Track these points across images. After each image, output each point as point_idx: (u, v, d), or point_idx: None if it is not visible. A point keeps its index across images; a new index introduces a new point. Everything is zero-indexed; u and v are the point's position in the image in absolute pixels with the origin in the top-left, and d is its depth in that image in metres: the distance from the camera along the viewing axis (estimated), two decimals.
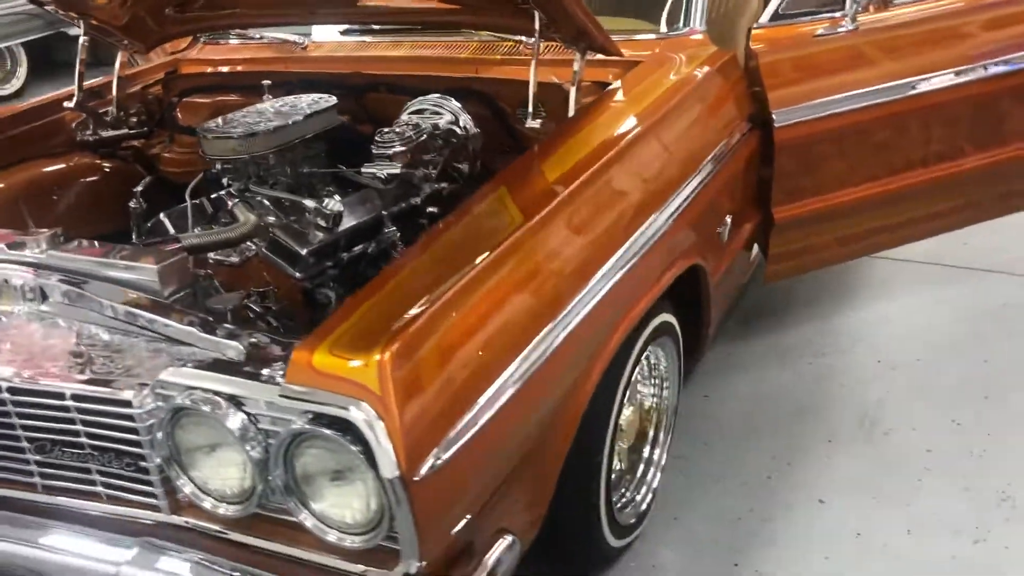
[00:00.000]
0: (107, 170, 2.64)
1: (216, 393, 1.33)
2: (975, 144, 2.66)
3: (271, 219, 2.16)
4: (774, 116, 2.37)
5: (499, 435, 1.36)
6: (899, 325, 2.85)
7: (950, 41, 2.56)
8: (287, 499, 1.32)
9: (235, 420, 1.32)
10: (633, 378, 1.88)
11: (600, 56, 2.22)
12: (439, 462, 1.23)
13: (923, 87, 2.51)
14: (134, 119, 2.69)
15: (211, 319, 1.53)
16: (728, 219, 2.28)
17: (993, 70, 2.58)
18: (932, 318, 2.88)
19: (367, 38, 2.67)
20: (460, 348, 1.32)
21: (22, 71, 6.99)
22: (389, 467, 1.18)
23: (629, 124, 1.99)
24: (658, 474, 2.14)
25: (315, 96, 2.34)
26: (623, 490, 2.05)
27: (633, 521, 2.02)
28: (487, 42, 2.46)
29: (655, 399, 2.17)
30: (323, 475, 1.30)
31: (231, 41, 2.91)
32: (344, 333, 1.29)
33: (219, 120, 2.20)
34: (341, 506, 1.31)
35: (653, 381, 2.15)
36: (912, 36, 2.54)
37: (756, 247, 2.60)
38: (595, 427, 1.74)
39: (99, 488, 1.51)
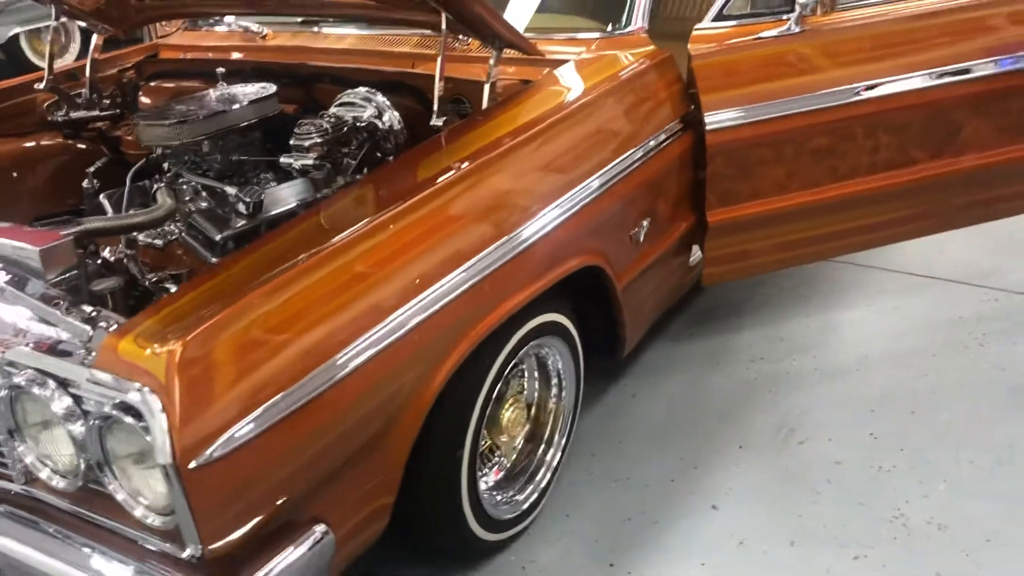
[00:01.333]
0: (72, 150, 2.76)
1: (45, 373, 1.42)
2: (929, 153, 2.60)
3: (201, 204, 2.27)
4: (706, 119, 2.36)
5: (303, 431, 1.42)
6: (846, 334, 2.81)
7: (900, 47, 2.50)
8: (102, 475, 1.41)
9: (61, 401, 1.41)
10: (505, 374, 1.92)
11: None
12: (221, 453, 1.30)
13: (870, 93, 2.47)
14: (107, 101, 2.81)
15: (71, 301, 1.62)
16: (646, 221, 2.29)
17: (946, 79, 2.51)
18: (883, 328, 2.82)
19: (323, 29, 2.74)
20: (263, 346, 1.38)
21: (75, 46, 7.26)
22: (164, 454, 1.26)
23: (526, 124, 2.01)
24: (548, 474, 2.17)
25: (258, 85, 2.43)
26: (508, 482, 2.09)
27: (511, 517, 2.05)
28: (430, 37, 2.50)
29: (550, 399, 2.19)
30: (128, 457, 1.39)
31: (206, 28, 3.02)
32: (153, 323, 1.37)
33: (155, 108, 2.29)
34: (144, 487, 1.39)
35: (545, 380, 2.18)
36: (860, 41, 2.48)
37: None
38: (454, 421, 1.79)
39: None
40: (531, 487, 2.13)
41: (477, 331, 1.74)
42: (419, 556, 2.05)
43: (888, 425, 2.38)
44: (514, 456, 2.14)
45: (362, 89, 2.31)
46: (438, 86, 2.07)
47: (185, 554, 1.35)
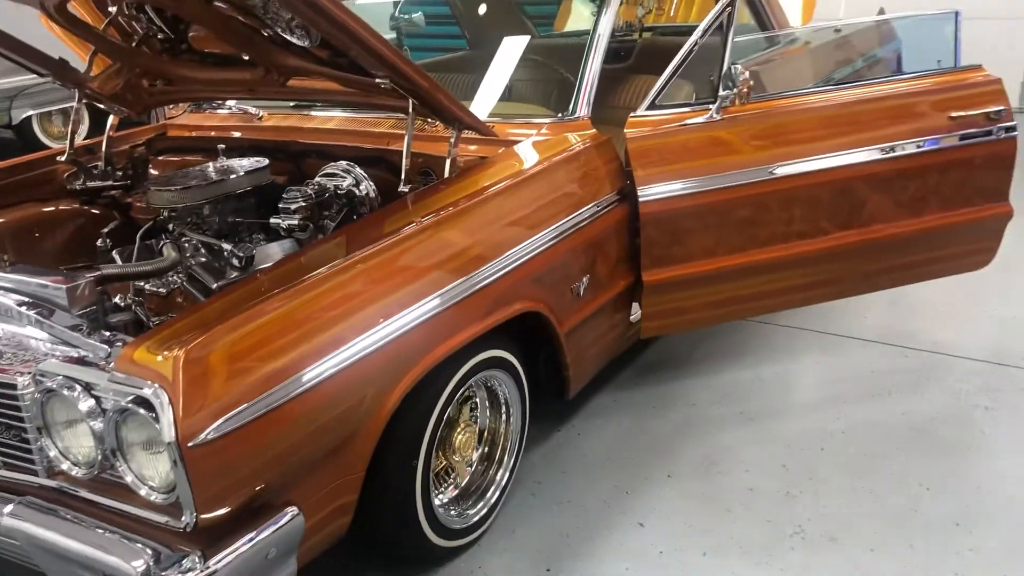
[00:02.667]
0: (88, 215, 3.13)
1: (72, 379, 1.75)
2: (837, 225, 2.98)
3: (201, 258, 2.63)
4: (639, 192, 2.74)
5: (279, 427, 1.74)
6: (771, 384, 3.15)
7: (806, 133, 2.91)
8: (115, 461, 1.73)
9: (85, 401, 1.73)
10: (455, 399, 2.25)
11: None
12: (213, 436, 1.62)
13: (781, 172, 2.86)
14: (119, 172, 3.19)
15: (92, 328, 1.96)
16: (585, 277, 2.64)
17: (848, 160, 2.92)
18: (804, 380, 3.17)
19: (312, 112, 3.14)
20: (248, 356, 1.72)
21: (83, 127, 7.73)
22: (170, 435, 1.58)
23: (480, 190, 2.39)
24: (497, 493, 2.48)
25: (253, 159, 2.82)
26: (462, 498, 2.40)
27: (462, 527, 2.36)
28: (401, 120, 2.90)
29: (499, 424, 2.52)
30: (139, 444, 1.71)
31: (209, 110, 3.43)
32: (162, 336, 1.71)
33: (164, 176, 2.67)
34: (151, 469, 1.71)
35: (495, 408, 2.50)
36: (772, 128, 2.89)
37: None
38: (409, 435, 2.11)
39: None
40: (482, 503, 2.44)
41: (428, 359, 2.07)
42: (381, 564, 2.34)
43: (799, 459, 2.71)
44: (467, 476, 2.45)
45: (343, 162, 2.69)
46: (406, 160, 2.44)
47: (182, 521, 1.66)
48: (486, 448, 2.52)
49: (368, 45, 2.14)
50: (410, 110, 2.46)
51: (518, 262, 2.35)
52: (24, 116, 6.95)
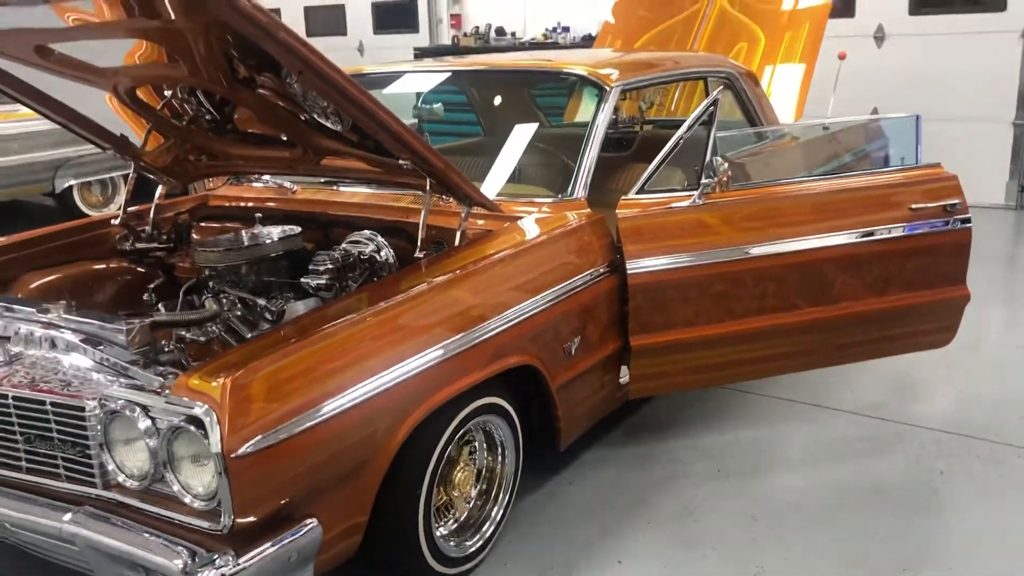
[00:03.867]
0: (135, 273, 3.49)
1: (133, 403, 2.08)
2: (807, 300, 3.30)
3: (237, 312, 2.98)
4: (628, 265, 3.08)
5: (304, 449, 2.06)
6: (747, 446, 3.43)
7: (779, 219, 3.26)
8: (166, 472, 2.04)
9: (144, 421, 2.06)
10: (456, 439, 2.55)
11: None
12: (252, 450, 1.94)
13: (756, 252, 3.20)
14: (164, 236, 3.56)
15: (148, 362, 2.29)
16: (577, 338, 2.96)
17: (818, 243, 3.26)
18: (777, 443, 3.45)
19: (340, 187, 3.52)
20: (282, 387, 2.05)
21: (120, 198, 8.22)
22: (216, 445, 1.90)
23: (484, 257, 2.74)
24: (492, 527, 2.76)
25: (286, 227, 3.19)
26: (460, 531, 2.68)
27: (460, 556, 2.63)
28: (419, 196, 3.27)
29: (496, 464, 2.81)
30: (187, 458, 2.02)
31: (247, 183, 3.82)
32: (211, 368, 2.04)
33: (209, 239, 3.04)
34: (196, 479, 2.02)
35: (492, 449, 2.80)
36: (749, 213, 3.24)
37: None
38: (414, 467, 2.41)
39: (61, 471, 2.25)
40: (478, 536, 2.72)
41: (432, 401, 2.38)
42: None
43: (767, 511, 2.98)
44: (466, 511, 2.73)
45: (366, 231, 3.05)
46: (422, 230, 2.80)
47: (220, 524, 1.96)
48: (484, 486, 2.80)
49: (393, 131, 2.52)
50: (427, 188, 2.83)
51: (515, 320, 2.68)
52: (66, 185, 7.42)
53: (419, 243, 2.80)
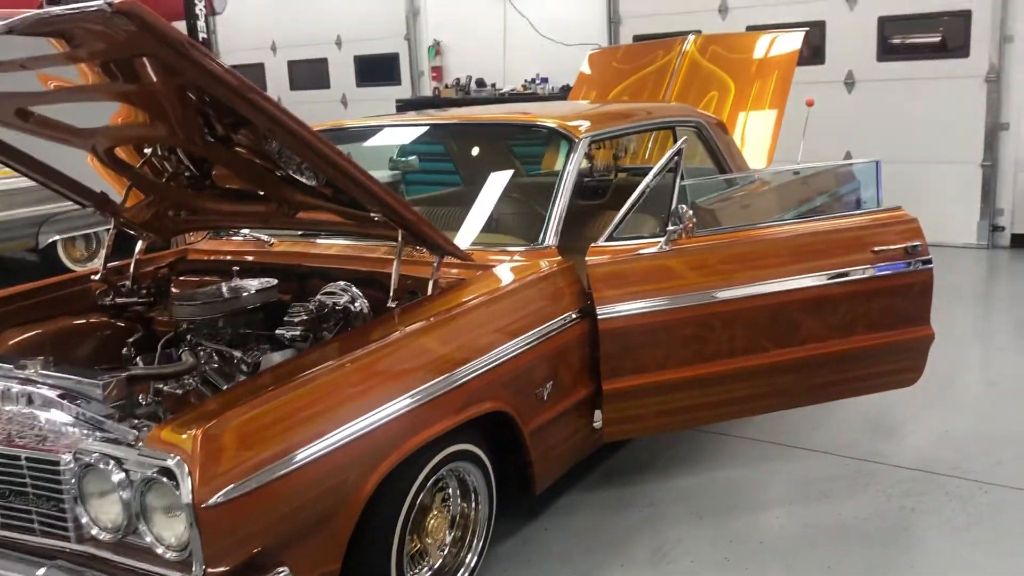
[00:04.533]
0: (115, 327, 3.54)
1: (107, 455, 2.12)
2: (775, 342, 3.37)
3: (214, 364, 3.03)
4: (598, 311, 3.15)
5: (276, 498, 2.10)
6: (722, 488, 3.47)
7: (744, 263, 3.34)
8: (139, 524, 2.07)
9: (117, 474, 2.09)
10: (428, 484, 2.59)
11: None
12: (222, 501, 1.97)
13: (722, 296, 3.28)
14: (144, 290, 3.61)
15: (123, 415, 2.33)
16: (549, 384, 3.02)
17: (783, 286, 3.34)
18: (752, 484, 3.49)
19: (317, 239, 3.60)
20: (253, 437, 2.10)
21: (103, 252, 8.24)
22: (187, 495, 1.94)
23: (456, 305, 2.80)
24: (467, 574, 2.79)
25: (262, 279, 3.25)
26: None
27: None
28: (392, 247, 3.34)
29: (470, 510, 2.84)
30: (160, 509, 2.06)
31: (226, 237, 3.89)
32: (183, 420, 2.09)
33: (186, 293, 3.10)
34: (169, 531, 2.05)
35: (465, 496, 2.83)
36: (714, 258, 3.32)
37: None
38: (386, 515, 2.45)
39: (36, 525, 2.28)
40: None
41: (403, 449, 2.43)
42: None
43: (740, 551, 3.02)
44: (440, 559, 2.76)
45: (341, 282, 3.12)
46: (394, 281, 2.87)
47: (192, 574, 1.99)
48: (458, 533, 2.83)
49: (364, 186, 2.60)
50: (399, 239, 2.91)
51: (487, 367, 2.74)
52: (50, 240, 7.47)
53: (392, 292, 2.86)
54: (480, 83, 10.00)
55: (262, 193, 3.10)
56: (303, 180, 2.78)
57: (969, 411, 4.15)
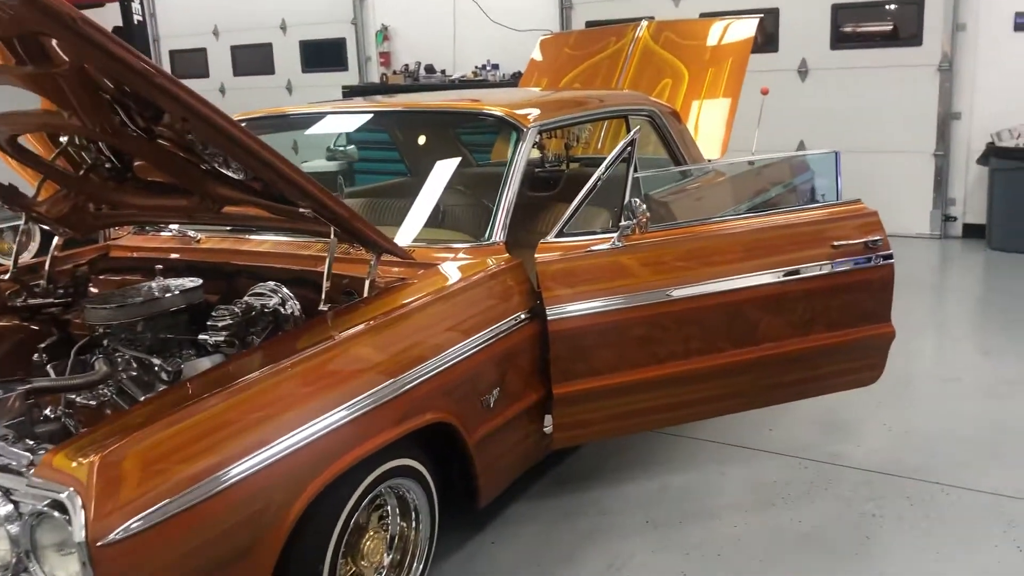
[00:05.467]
0: (27, 331, 3.27)
1: None
2: (731, 343, 3.23)
3: (132, 373, 2.79)
4: (548, 311, 2.97)
5: (186, 530, 1.88)
6: (676, 494, 3.32)
7: (700, 259, 3.19)
8: (29, 563, 1.84)
9: (4, 506, 1.86)
10: (363, 504, 2.39)
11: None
12: (121, 537, 1.76)
13: (677, 294, 3.12)
14: (60, 290, 3.35)
15: (17, 437, 2.10)
16: (496, 390, 2.84)
17: (739, 284, 3.19)
18: (707, 489, 3.35)
19: (247, 235, 3.36)
20: (158, 463, 1.88)
21: (34, 244, 7.87)
22: (80, 532, 1.72)
23: (395, 308, 2.60)
24: None
25: (187, 279, 3.02)
26: None
27: None
28: (326, 243, 3.13)
29: (410, 530, 2.65)
30: (51, 547, 1.83)
31: (152, 232, 3.63)
32: (80, 444, 1.86)
33: (99, 295, 2.85)
34: (62, 571, 1.83)
35: (405, 515, 2.64)
36: (669, 254, 3.16)
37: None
38: (315, 539, 2.24)
39: None
40: None
41: (335, 467, 2.22)
42: None
43: (697, 564, 2.87)
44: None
45: (270, 282, 2.90)
46: (326, 281, 2.66)
47: None
48: (397, 555, 2.64)
49: (289, 179, 2.38)
50: (332, 236, 2.69)
51: (428, 375, 2.54)
52: None
53: (323, 294, 2.65)
54: (429, 69, 9.76)
55: (184, 187, 2.86)
56: (229, 173, 2.55)
57: (929, 409, 4.05)
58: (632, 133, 3.29)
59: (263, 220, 2.97)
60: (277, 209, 2.72)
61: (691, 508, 3.22)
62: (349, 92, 9.42)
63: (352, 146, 3.98)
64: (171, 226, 3.59)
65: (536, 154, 4.92)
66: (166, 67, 12.04)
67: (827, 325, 3.35)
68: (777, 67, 7.93)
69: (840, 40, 7.83)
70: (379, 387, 2.38)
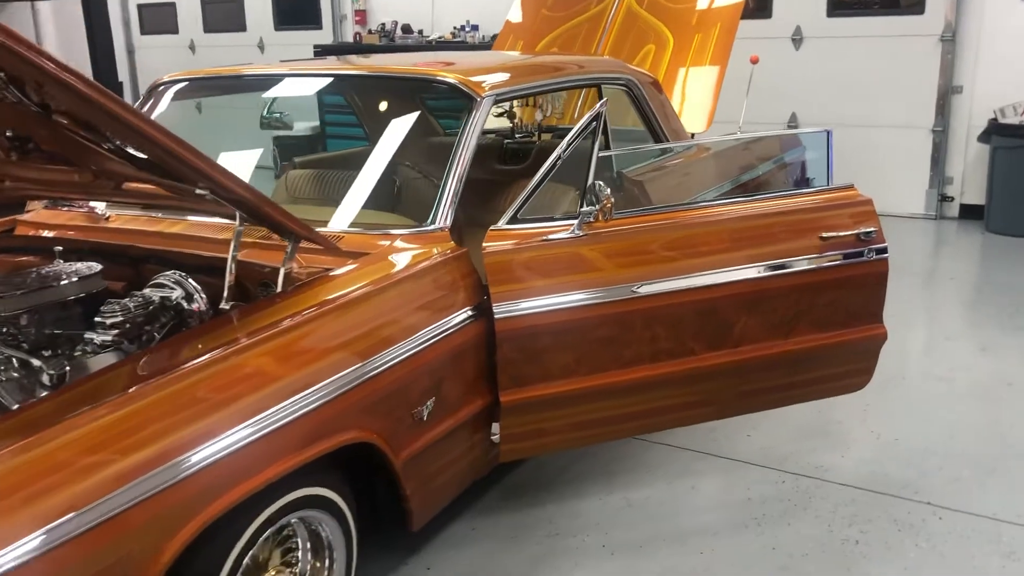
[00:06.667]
0: None
1: None
2: (705, 344, 2.87)
3: (13, 375, 2.41)
4: (495, 308, 2.60)
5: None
6: (640, 511, 2.98)
7: (671, 251, 2.82)
8: None
9: None
10: (258, 540, 2.03)
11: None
12: None
13: (644, 291, 2.76)
14: None
15: None
16: (430, 401, 2.47)
17: (714, 279, 2.83)
18: (675, 507, 3.01)
19: (160, 213, 2.97)
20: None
21: None
22: None
23: (309, 307, 2.23)
24: None
25: (84, 264, 2.63)
26: None
27: None
28: (252, 226, 2.75)
29: (323, 569, 2.29)
30: None
31: (64, 207, 3.24)
32: None
33: None
34: None
35: (318, 551, 2.28)
36: (635, 245, 2.79)
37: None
38: None
39: None
40: None
41: (216, 506, 1.83)
42: None
43: None
44: None
45: (174, 272, 2.52)
46: (229, 274, 2.29)
47: None
48: None
49: (178, 156, 2.00)
50: (236, 220, 2.32)
51: (344, 389, 2.18)
52: None
53: (225, 291, 2.28)
54: (406, 29, 9.29)
55: (78, 162, 2.47)
56: (130, 150, 2.18)
57: (920, 414, 3.71)
58: (598, 105, 2.90)
59: (166, 199, 2.59)
60: (176, 188, 2.35)
61: (655, 530, 2.88)
62: (321, 52, 8.95)
63: (288, 114, 3.59)
64: (90, 202, 3.20)
65: (507, 124, 4.55)
66: (134, 23, 11.51)
67: (812, 326, 2.99)
68: (770, 34, 7.51)
69: (837, 7, 7.41)
70: (279, 406, 2.01)
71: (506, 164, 4.40)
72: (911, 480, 3.14)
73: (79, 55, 8.45)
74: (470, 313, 2.62)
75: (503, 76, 3.27)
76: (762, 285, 2.89)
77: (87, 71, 8.78)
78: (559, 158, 2.78)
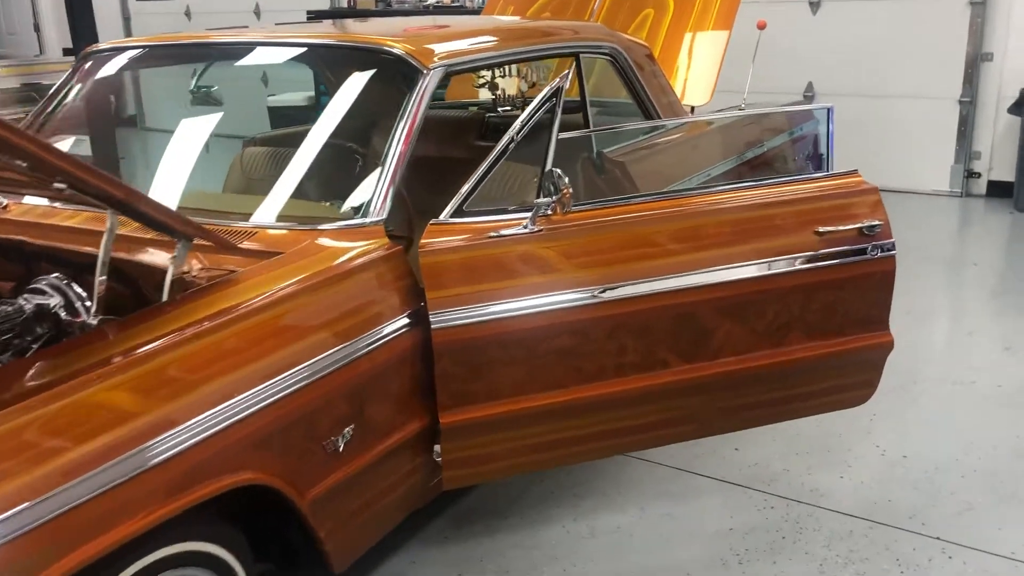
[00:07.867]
0: None
1: None
2: (680, 356, 2.50)
3: None
4: (432, 317, 2.25)
5: None
6: (605, 543, 2.63)
7: (639, 250, 2.44)
8: None
9: None
10: None
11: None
12: None
13: (608, 295, 2.39)
14: None
15: None
16: (348, 429, 2.12)
17: (690, 281, 2.45)
18: (646, 537, 2.66)
19: (58, 204, 2.62)
20: None
21: None
22: None
23: (196, 321, 1.88)
24: None
25: None
26: None
27: None
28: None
29: None
30: None
31: None
32: None
33: None
34: None
35: None
36: (598, 243, 2.42)
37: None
38: None
39: None
40: None
41: (57, 569, 1.52)
42: None
43: None
44: None
45: (54, 276, 2.17)
46: (98, 284, 1.94)
47: None
48: None
49: (15, 147, 1.64)
50: (108, 218, 1.96)
51: (225, 423, 1.82)
52: None
53: (94, 303, 1.93)
54: None
55: None
56: None
57: (933, 425, 3.32)
58: (559, 79, 2.52)
59: (38, 190, 2.24)
60: (33, 179, 1.99)
61: (622, 568, 2.52)
62: (314, 16, 8.54)
63: (216, 87, 3.22)
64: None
65: (488, 96, 4.17)
66: None
67: (806, 333, 2.61)
68: None
69: None
70: (141, 447, 1.67)
71: (487, 140, 4.03)
72: (919, 508, 2.76)
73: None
74: (405, 322, 2.27)
75: (462, 45, 2.88)
76: (748, 287, 2.51)
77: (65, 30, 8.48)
78: (511, 140, 2.42)
